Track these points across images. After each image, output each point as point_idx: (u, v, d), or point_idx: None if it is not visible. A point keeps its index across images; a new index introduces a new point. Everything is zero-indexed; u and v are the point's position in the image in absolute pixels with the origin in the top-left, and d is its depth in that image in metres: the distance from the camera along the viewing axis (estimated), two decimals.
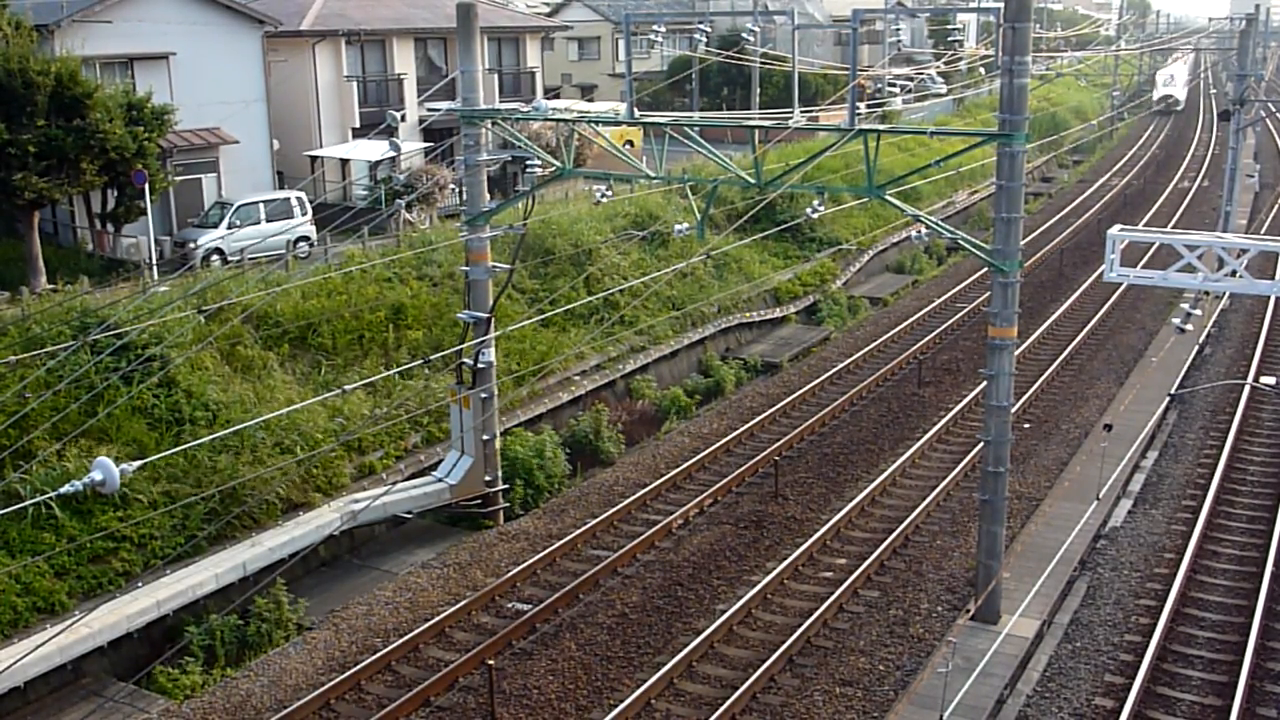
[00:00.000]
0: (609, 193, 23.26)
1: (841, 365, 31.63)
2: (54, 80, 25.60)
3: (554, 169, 21.46)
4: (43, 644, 15.43)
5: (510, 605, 19.70)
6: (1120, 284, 27.90)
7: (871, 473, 25.04)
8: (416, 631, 18.46)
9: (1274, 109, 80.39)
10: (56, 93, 25.77)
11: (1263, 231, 44.85)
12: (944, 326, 35.57)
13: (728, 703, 16.32)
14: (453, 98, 25.26)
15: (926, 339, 34.18)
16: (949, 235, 17.99)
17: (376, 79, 40.36)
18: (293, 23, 37.65)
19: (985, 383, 17.96)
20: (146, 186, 27.96)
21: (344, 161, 38.60)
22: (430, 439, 24.51)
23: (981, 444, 18.37)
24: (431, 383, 25.19)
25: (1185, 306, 19.73)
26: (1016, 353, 19.84)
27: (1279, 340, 34.04)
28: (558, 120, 23.86)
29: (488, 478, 22.92)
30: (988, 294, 20.93)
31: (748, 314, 34.90)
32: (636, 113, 20.49)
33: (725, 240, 35.88)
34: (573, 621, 19.14)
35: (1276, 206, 52.53)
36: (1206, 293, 28.12)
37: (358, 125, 38.83)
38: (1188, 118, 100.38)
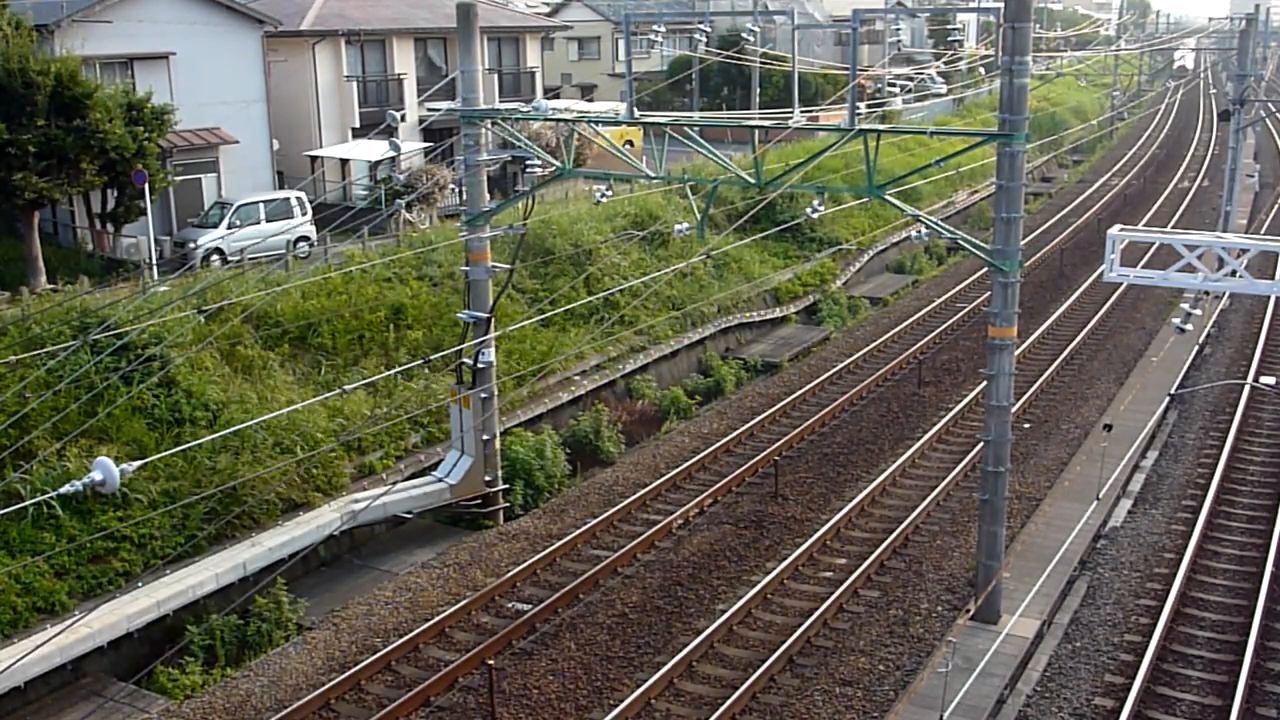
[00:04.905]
0: (609, 193, 23.26)
1: (841, 365, 31.63)
2: (54, 80, 25.60)
3: (554, 169, 21.46)
4: (43, 644, 15.44)
5: (510, 605, 19.70)
6: (1120, 284, 27.89)
7: (871, 473, 25.04)
8: (416, 631, 18.46)
9: (1274, 109, 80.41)
10: (56, 93, 25.77)
11: (1263, 231, 44.83)
12: (944, 326, 35.58)
13: (728, 703, 16.32)
14: (453, 98, 25.25)
15: (926, 339, 34.19)
16: (949, 235, 17.99)
17: (376, 79, 40.36)
18: (293, 23, 37.65)
19: (985, 383, 17.96)
20: (146, 186, 27.95)
21: (344, 161, 38.60)
22: (430, 439, 24.51)
23: (981, 444, 18.37)
24: (431, 383, 25.19)
25: (1185, 306, 19.68)
26: (1016, 353, 19.84)
27: (1279, 340, 34.05)
28: (558, 120, 23.87)
29: (488, 478, 22.92)
30: (988, 294, 20.95)
31: (748, 314, 34.90)
32: (636, 113, 20.49)
33: (725, 240, 35.88)
34: (573, 621, 19.14)
35: (1276, 206, 52.52)
36: (1206, 293, 28.10)
37: (358, 125, 38.83)
38: (1187, 116, 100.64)
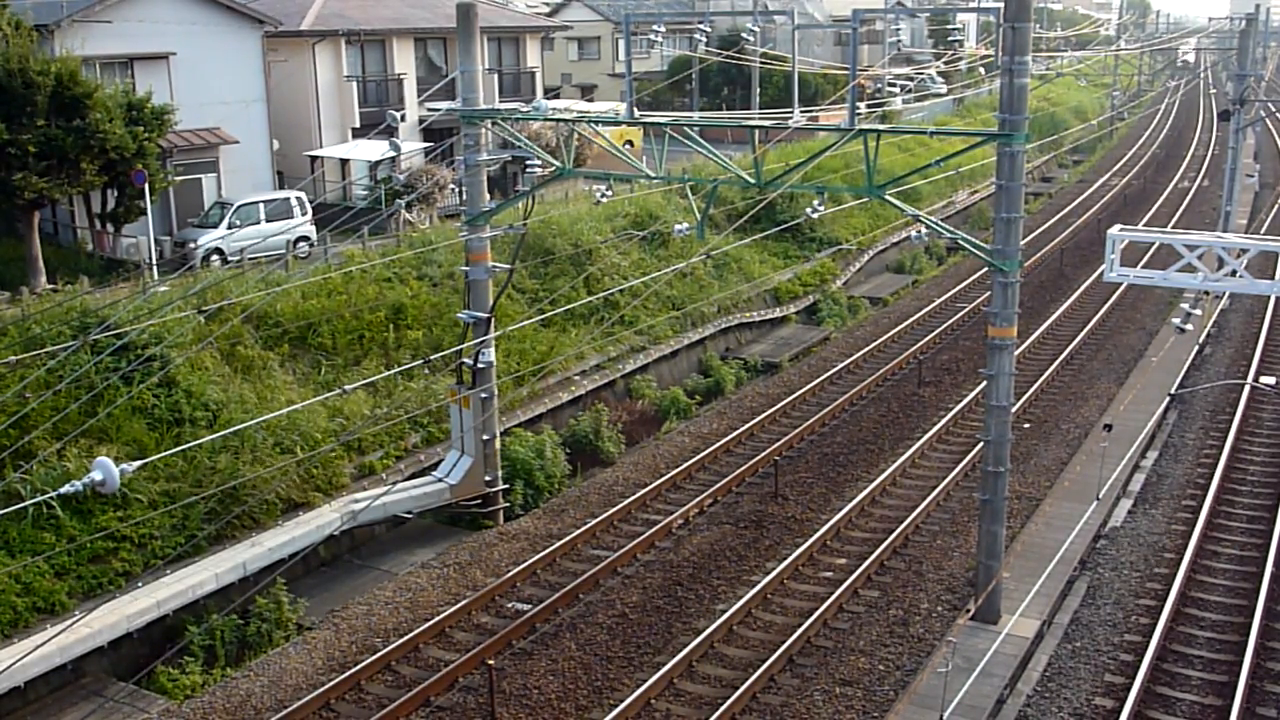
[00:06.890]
0: (609, 193, 23.26)
1: (841, 365, 31.63)
2: (54, 80, 25.59)
3: (554, 169, 21.46)
4: (43, 644, 15.43)
5: (510, 605, 19.70)
6: (1120, 284, 27.90)
7: (871, 473, 25.03)
8: (416, 631, 18.46)
9: (1274, 109, 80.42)
10: (56, 93, 25.76)
11: (1263, 231, 44.82)
12: (944, 326, 35.58)
13: (728, 703, 16.32)
14: (453, 98, 25.25)
15: (926, 339, 34.18)
16: (949, 235, 18.00)
17: (376, 79, 40.36)
18: (293, 23, 37.65)
19: (985, 383, 17.96)
20: (146, 186, 27.95)
21: (344, 161, 38.59)
22: (430, 439, 24.51)
23: (981, 444, 18.37)
24: (431, 383, 25.19)
25: (1185, 306, 19.71)
26: (1016, 353, 19.84)
27: (1279, 340, 34.04)
28: (558, 120, 23.86)
29: (488, 478, 22.92)
30: (988, 294, 20.93)
31: (748, 314, 34.90)
32: (636, 113, 20.50)
33: (725, 240, 35.87)
34: (573, 621, 19.15)
35: (1276, 206, 52.52)
36: (1206, 293, 28.11)
37: (358, 125, 38.83)
38: (1187, 116, 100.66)
